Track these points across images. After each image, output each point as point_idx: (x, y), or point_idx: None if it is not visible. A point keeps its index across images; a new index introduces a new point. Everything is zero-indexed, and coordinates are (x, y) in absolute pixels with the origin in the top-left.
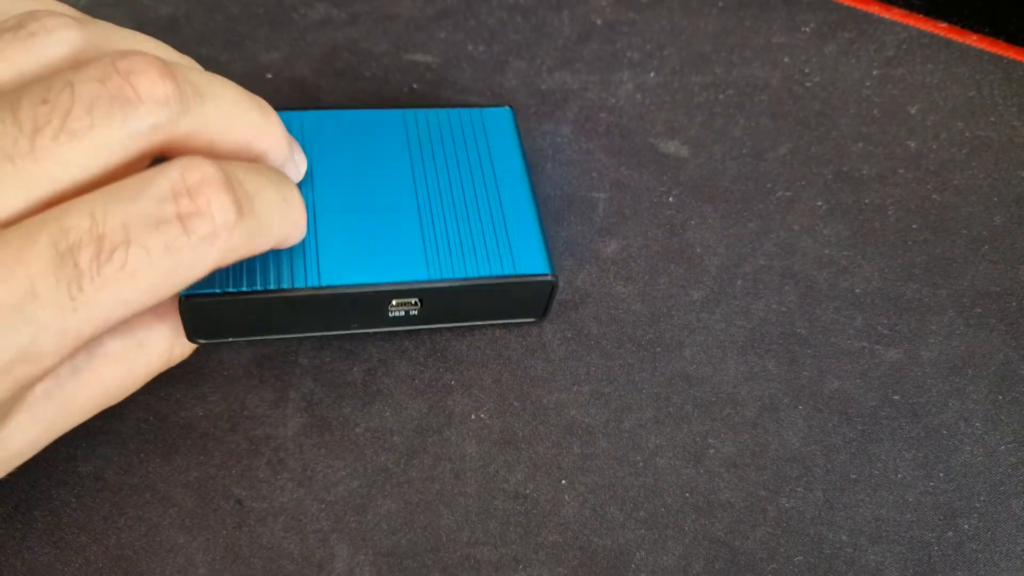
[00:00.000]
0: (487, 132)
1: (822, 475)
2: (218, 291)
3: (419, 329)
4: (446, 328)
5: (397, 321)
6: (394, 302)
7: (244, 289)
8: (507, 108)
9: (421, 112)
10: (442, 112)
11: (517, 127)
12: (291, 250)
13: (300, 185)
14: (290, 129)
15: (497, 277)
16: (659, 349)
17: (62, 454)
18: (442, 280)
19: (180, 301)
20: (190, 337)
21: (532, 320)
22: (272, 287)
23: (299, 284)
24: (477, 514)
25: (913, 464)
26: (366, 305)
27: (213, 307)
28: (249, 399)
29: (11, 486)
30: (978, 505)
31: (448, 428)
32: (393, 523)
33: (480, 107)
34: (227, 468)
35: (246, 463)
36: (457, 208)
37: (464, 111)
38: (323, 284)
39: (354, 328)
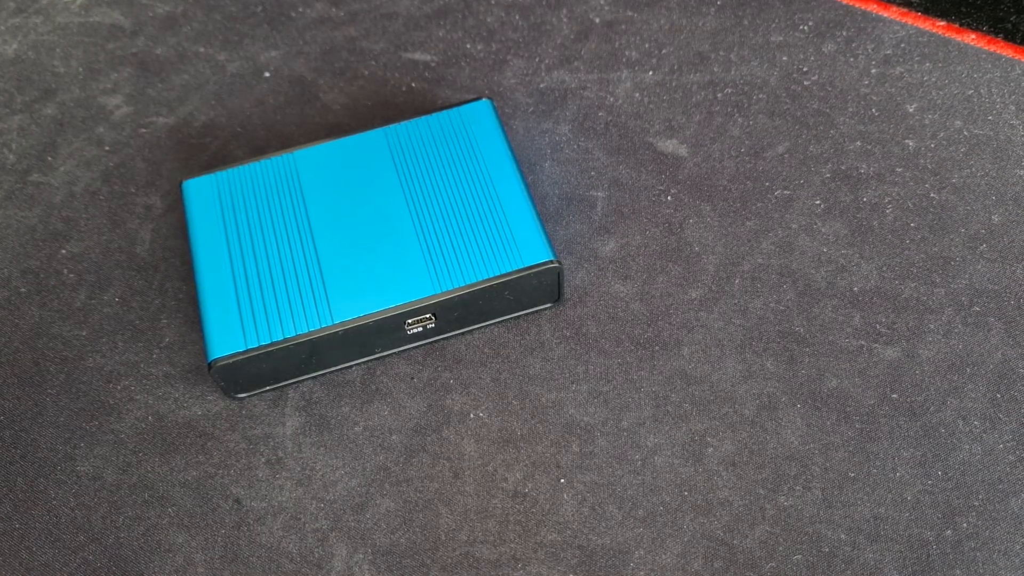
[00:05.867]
0: (469, 129)
1: (820, 473)
2: (240, 349)
3: (441, 339)
4: (466, 332)
5: (417, 337)
6: (409, 321)
7: (265, 343)
8: (486, 100)
9: (402, 126)
10: (421, 121)
11: (498, 117)
12: (301, 293)
13: (297, 226)
14: (281, 172)
15: (502, 275)
16: (657, 348)
17: (60, 453)
18: (450, 291)
19: (209, 366)
20: (228, 394)
21: (550, 306)
22: (290, 334)
23: (313, 326)
24: (476, 513)
25: (911, 463)
26: (382, 330)
27: (239, 365)
28: (247, 398)
29: (9, 486)
30: (976, 503)
31: (447, 427)
32: (392, 522)
33: (459, 105)
34: (226, 467)
35: (245, 462)
36: (452, 215)
37: (443, 113)
38: (336, 321)
39: (379, 352)
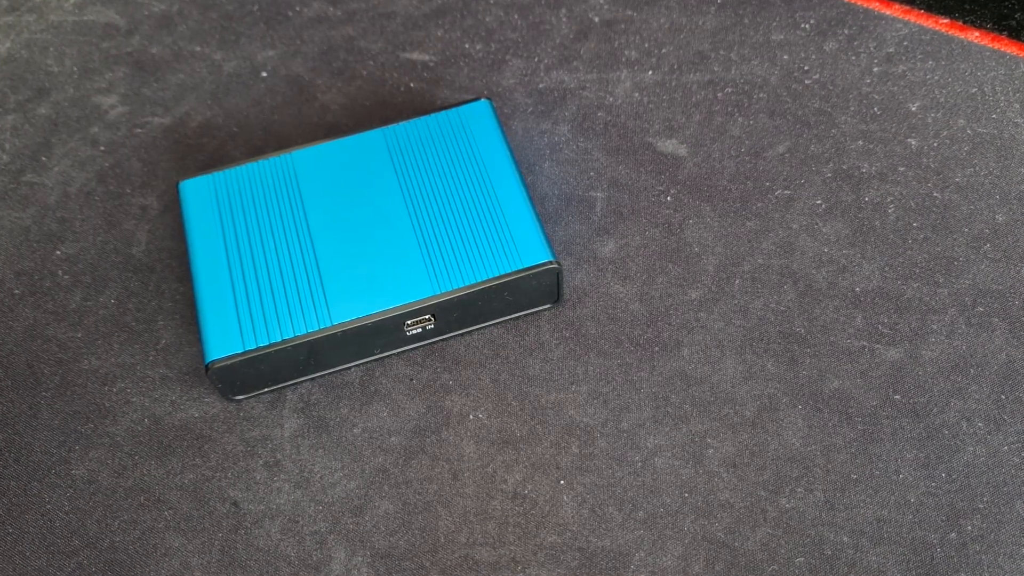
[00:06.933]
0: (468, 129)
1: (822, 475)
2: (238, 351)
3: (440, 340)
4: (465, 333)
5: (417, 338)
6: (408, 322)
7: (263, 344)
8: (484, 100)
9: (400, 126)
10: (420, 121)
11: (497, 118)
12: (300, 294)
13: (296, 226)
14: (279, 173)
15: (501, 276)
16: (657, 349)
17: (54, 457)
18: (449, 292)
19: (206, 368)
20: (225, 396)
21: (549, 306)
22: (289, 336)
23: (312, 327)
24: (475, 515)
25: (915, 464)
26: (381, 332)
27: (236, 367)
28: (245, 400)
29: (2, 490)
30: (981, 506)
31: (446, 428)
32: (391, 524)
33: (457, 105)
34: (223, 470)
35: (242, 465)
36: (451, 215)
37: (442, 114)
38: (334, 322)
39: (378, 353)
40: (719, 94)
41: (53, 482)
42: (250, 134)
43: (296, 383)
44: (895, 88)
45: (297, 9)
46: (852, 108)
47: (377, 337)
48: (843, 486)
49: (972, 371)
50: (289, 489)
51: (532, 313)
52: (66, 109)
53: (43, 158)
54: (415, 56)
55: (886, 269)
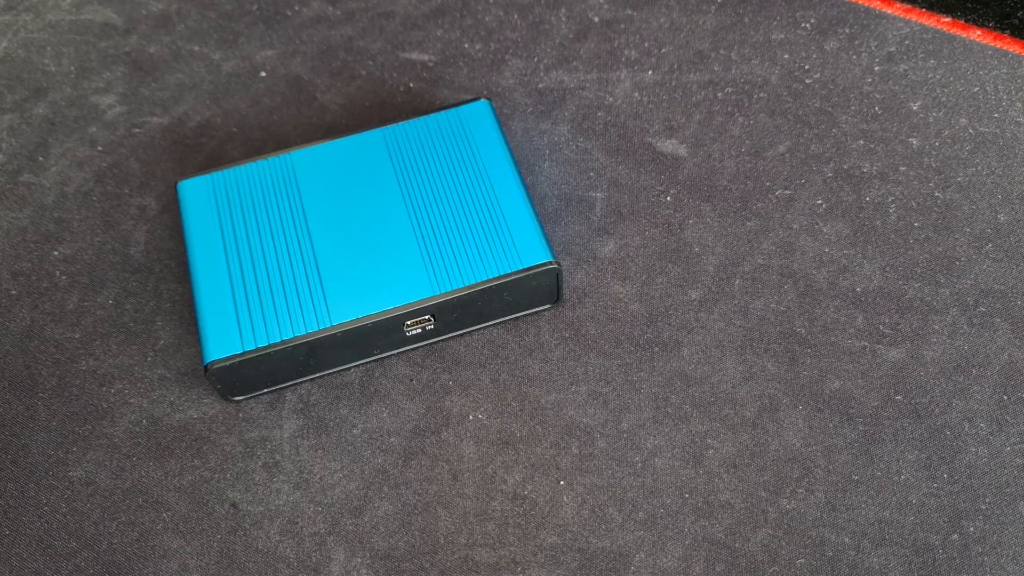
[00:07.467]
0: (467, 129)
1: (823, 476)
2: (237, 351)
3: (440, 340)
4: (465, 334)
5: (417, 338)
6: (408, 323)
7: (262, 344)
8: (484, 100)
9: (400, 126)
10: (419, 121)
11: (497, 118)
12: (299, 295)
13: (295, 227)
14: (278, 173)
15: (501, 276)
16: (657, 349)
17: (52, 458)
18: (449, 292)
19: (205, 369)
20: (224, 397)
21: (549, 307)
22: (288, 336)
23: (311, 328)
24: (475, 516)
25: (916, 465)
26: (381, 332)
27: (235, 368)
28: (244, 401)
29: None
30: (984, 507)
31: (446, 429)
32: (390, 525)
33: (457, 105)
34: (222, 471)
35: (241, 466)
36: (450, 216)
37: (441, 114)
38: (334, 322)
39: (377, 353)
40: (719, 94)
41: (51, 484)
42: (249, 134)
43: (296, 383)
44: (896, 87)
45: (296, 9)
46: (853, 107)
47: (377, 338)
48: (844, 487)
49: (974, 371)
50: (288, 490)
51: (532, 313)
52: (63, 109)
53: (40, 158)
54: (415, 56)
55: (887, 269)
